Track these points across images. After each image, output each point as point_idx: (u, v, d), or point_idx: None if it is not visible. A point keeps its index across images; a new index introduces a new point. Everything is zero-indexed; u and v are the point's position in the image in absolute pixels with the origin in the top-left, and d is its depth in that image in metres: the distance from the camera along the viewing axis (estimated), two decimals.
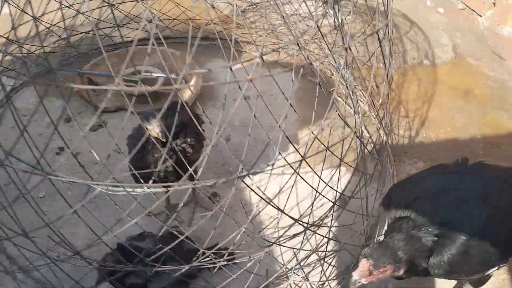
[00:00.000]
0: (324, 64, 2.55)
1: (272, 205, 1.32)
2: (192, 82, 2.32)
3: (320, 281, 1.58)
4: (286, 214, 1.38)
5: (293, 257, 1.60)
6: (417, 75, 2.64)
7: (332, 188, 1.49)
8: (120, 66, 1.01)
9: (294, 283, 1.59)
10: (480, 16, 2.91)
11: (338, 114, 1.63)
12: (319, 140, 1.39)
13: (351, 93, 1.84)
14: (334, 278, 1.63)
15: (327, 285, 1.59)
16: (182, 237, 1.28)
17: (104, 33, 2.53)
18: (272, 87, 2.31)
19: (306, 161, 1.27)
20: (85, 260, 1.39)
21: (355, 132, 1.61)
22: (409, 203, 1.38)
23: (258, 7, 2.97)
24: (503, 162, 1.88)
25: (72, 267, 1.44)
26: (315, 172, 1.44)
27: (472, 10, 2.96)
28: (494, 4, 2.81)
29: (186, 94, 2.34)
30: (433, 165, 1.60)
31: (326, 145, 1.35)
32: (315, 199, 1.53)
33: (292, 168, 1.27)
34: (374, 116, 2.10)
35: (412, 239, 1.31)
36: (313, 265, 1.65)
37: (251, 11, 3.03)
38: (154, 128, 1.48)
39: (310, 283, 1.59)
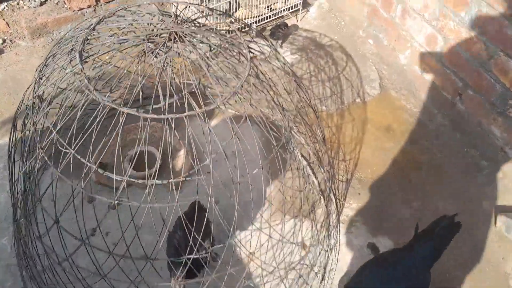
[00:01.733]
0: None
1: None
2: (182, 152, 2.99)
3: None
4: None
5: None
6: (352, 114, 3.40)
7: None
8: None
9: None
10: (400, 54, 3.63)
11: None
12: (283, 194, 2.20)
13: (302, 167, 2.61)
14: None
15: None
16: None
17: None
18: (243, 142, 3.01)
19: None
20: None
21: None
22: None
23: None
24: (412, 193, 2.81)
25: None
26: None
27: (394, 47, 3.66)
28: (410, 46, 3.52)
29: (181, 165, 2.99)
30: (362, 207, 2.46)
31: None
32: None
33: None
34: (323, 172, 2.88)
35: None
36: None
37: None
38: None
39: None
